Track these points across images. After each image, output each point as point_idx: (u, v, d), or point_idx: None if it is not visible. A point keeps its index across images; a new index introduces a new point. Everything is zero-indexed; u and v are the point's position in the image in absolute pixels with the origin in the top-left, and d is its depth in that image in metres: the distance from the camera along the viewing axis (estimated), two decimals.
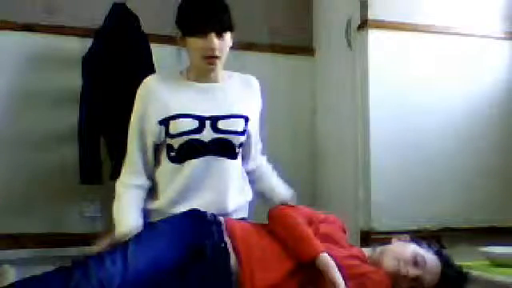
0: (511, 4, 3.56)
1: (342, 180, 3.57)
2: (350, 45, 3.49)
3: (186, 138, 1.94)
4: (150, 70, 3.27)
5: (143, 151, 2.00)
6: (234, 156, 2.01)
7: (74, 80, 3.27)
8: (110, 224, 3.37)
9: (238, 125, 1.99)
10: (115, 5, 3.29)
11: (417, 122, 3.32)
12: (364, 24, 3.30)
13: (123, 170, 2.04)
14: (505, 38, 3.54)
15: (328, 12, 3.86)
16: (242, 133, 2.01)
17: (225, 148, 1.98)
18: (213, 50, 1.91)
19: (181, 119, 1.94)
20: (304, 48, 3.98)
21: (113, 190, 3.24)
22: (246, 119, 2.02)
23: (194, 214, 1.81)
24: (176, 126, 1.94)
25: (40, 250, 3.27)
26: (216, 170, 1.97)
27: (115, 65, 3.18)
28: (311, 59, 3.99)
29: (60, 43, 3.45)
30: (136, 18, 3.32)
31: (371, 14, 3.28)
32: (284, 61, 3.91)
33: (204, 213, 1.82)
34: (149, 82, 2.02)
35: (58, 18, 3.44)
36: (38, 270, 1.60)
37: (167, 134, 1.95)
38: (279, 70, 3.86)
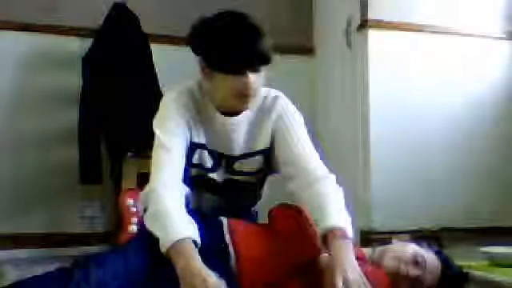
0: (511, 4, 3.56)
1: (342, 180, 3.56)
2: (349, 45, 3.49)
3: (202, 172, 1.81)
4: (150, 70, 3.27)
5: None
6: (250, 197, 1.92)
7: (74, 80, 3.27)
8: (109, 224, 3.39)
9: (256, 163, 1.83)
10: (115, 5, 3.30)
11: (417, 121, 3.32)
12: (364, 24, 3.30)
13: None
14: (505, 38, 3.55)
15: (328, 12, 3.86)
16: (263, 169, 1.86)
17: (238, 190, 1.86)
18: (249, 89, 1.65)
19: (202, 150, 1.79)
20: (304, 48, 3.98)
21: (113, 190, 3.26)
22: (265, 151, 1.83)
23: (194, 214, 1.80)
24: (199, 158, 1.79)
25: (40, 250, 3.27)
26: (227, 209, 1.86)
27: (115, 65, 3.18)
28: (311, 59, 3.99)
29: (60, 43, 3.45)
30: (136, 18, 3.32)
31: (371, 14, 3.28)
32: (284, 61, 3.90)
33: (204, 213, 1.82)
34: (176, 102, 1.76)
35: (58, 18, 3.44)
36: (38, 270, 1.60)
37: (188, 160, 1.76)
38: (279, 69, 3.84)
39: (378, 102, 3.27)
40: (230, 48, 1.61)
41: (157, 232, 1.56)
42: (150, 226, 1.60)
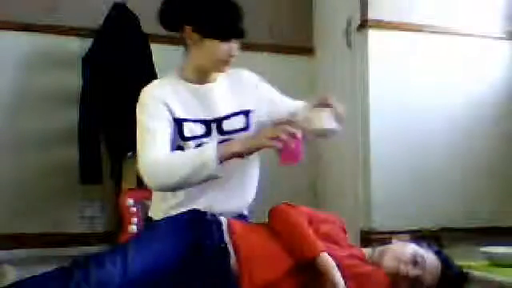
0: (511, 4, 3.56)
1: (342, 180, 3.57)
2: (349, 45, 3.49)
3: (198, 141, 1.93)
4: (150, 69, 3.27)
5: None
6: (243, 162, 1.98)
7: (74, 80, 3.27)
8: (109, 224, 3.39)
9: (240, 122, 2.00)
10: (115, 5, 3.30)
11: (417, 122, 3.32)
12: (364, 24, 3.31)
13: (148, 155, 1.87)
14: (505, 38, 3.55)
15: (328, 12, 3.86)
16: (246, 128, 2.01)
17: None
18: (233, 55, 1.94)
19: (191, 123, 1.94)
20: (304, 48, 3.98)
21: (113, 190, 3.27)
22: (247, 113, 2.02)
23: (194, 214, 1.81)
24: (190, 129, 1.93)
25: (40, 250, 3.27)
26: (226, 169, 1.91)
27: (115, 65, 3.18)
28: (311, 59, 3.99)
29: (60, 43, 3.45)
30: (136, 18, 3.32)
31: (371, 14, 3.28)
32: (284, 61, 3.91)
33: (204, 213, 1.82)
34: (151, 88, 1.98)
35: (58, 18, 3.44)
36: (38, 270, 1.60)
37: (181, 135, 1.93)
38: (279, 69, 3.85)
39: (378, 102, 3.27)
40: (224, 18, 1.91)
41: (190, 165, 1.78)
42: (175, 173, 1.80)
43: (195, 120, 1.94)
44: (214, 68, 1.97)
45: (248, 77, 2.09)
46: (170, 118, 1.91)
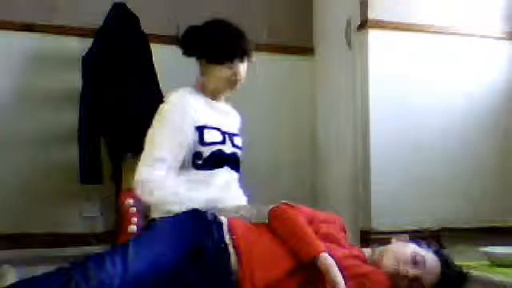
0: (511, 4, 3.56)
1: (342, 180, 3.57)
2: (349, 45, 3.49)
3: (216, 147, 2.06)
4: (150, 69, 3.27)
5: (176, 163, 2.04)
6: (239, 169, 2.19)
7: (74, 80, 3.27)
8: (109, 224, 3.39)
9: (241, 141, 2.21)
10: (115, 5, 3.30)
11: (417, 121, 3.33)
12: (364, 24, 3.31)
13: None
14: (505, 38, 3.55)
15: (328, 12, 3.86)
16: (242, 148, 2.21)
17: (237, 161, 2.17)
18: (238, 76, 2.11)
19: (211, 129, 2.08)
20: (304, 48, 3.98)
21: (113, 190, 3.27)
22: (240, 135, 2.24)
23: (195, 214, 1.81)
24: (210, 135, 2.07)
25: (40, 250, 3.27)
26: (231, 180, 2.14)
27: (115, 65, 3.18)
28: (311, 59, 3.99)
29: (60, 43, 3.46)
30: (136, 18, 3.32)
31: (371, 14, 3.28)
32: (284, 61, 3.91)
33: (204, 213, 1.82)
34: (181, 94, 2.09)
35: (58, 17, 3.44)
36: (38, 270, 1.60)
37: (201, 141, 2.04)
38: (279, 69, 3.86)
39: (378, 101, 3.27)
40: (222, 43, 2.09)
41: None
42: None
43: (213, 127, 2.09)
44: (224, 88, 2.15)
45: (232, 108, 2.29)
46: (193, 126, 2.04)
